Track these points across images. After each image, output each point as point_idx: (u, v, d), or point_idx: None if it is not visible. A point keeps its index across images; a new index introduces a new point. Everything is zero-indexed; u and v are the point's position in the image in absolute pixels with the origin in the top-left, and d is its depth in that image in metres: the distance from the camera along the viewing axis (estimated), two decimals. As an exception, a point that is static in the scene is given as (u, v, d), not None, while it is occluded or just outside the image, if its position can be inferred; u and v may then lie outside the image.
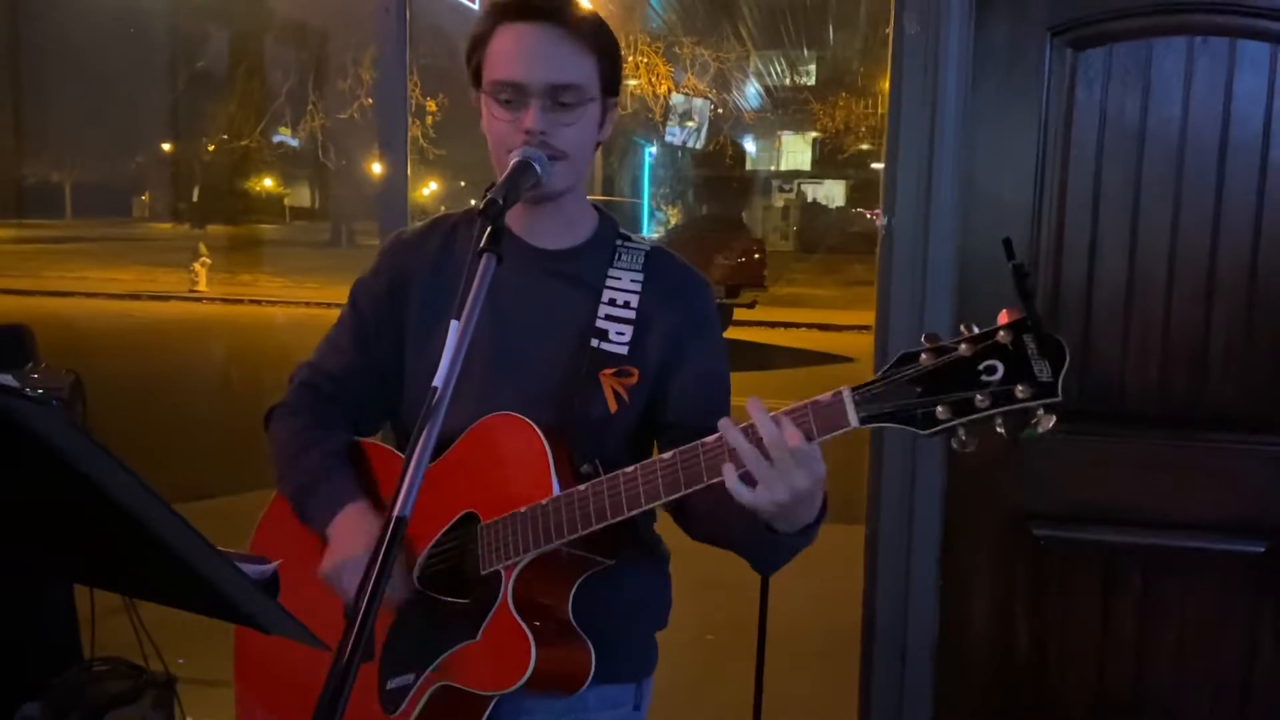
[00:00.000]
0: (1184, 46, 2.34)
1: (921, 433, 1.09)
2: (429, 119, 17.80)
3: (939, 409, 1.07)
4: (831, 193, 33.34)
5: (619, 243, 1.49)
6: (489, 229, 1.14)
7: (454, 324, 1.08)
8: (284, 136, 26.36)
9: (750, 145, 31.99)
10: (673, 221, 26.08)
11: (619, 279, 1.45)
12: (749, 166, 32.35)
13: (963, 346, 1.06)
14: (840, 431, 1.12)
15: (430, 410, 1.02)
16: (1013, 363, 1.04)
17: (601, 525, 1.25)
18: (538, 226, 1.47)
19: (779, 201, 32.76)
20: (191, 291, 18.25)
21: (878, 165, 2.85)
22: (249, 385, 9.14)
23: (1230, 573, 2.42)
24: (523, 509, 1.30)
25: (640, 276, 1.46)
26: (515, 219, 1.46)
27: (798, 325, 14.24)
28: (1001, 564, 2.52)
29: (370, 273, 1.54)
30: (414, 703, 1.37)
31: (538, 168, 1.28)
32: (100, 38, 24.47)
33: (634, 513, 1.23)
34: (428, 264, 1.48)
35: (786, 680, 2.99)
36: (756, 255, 19.33)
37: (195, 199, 32.83)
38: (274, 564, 1.07)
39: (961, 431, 1.08)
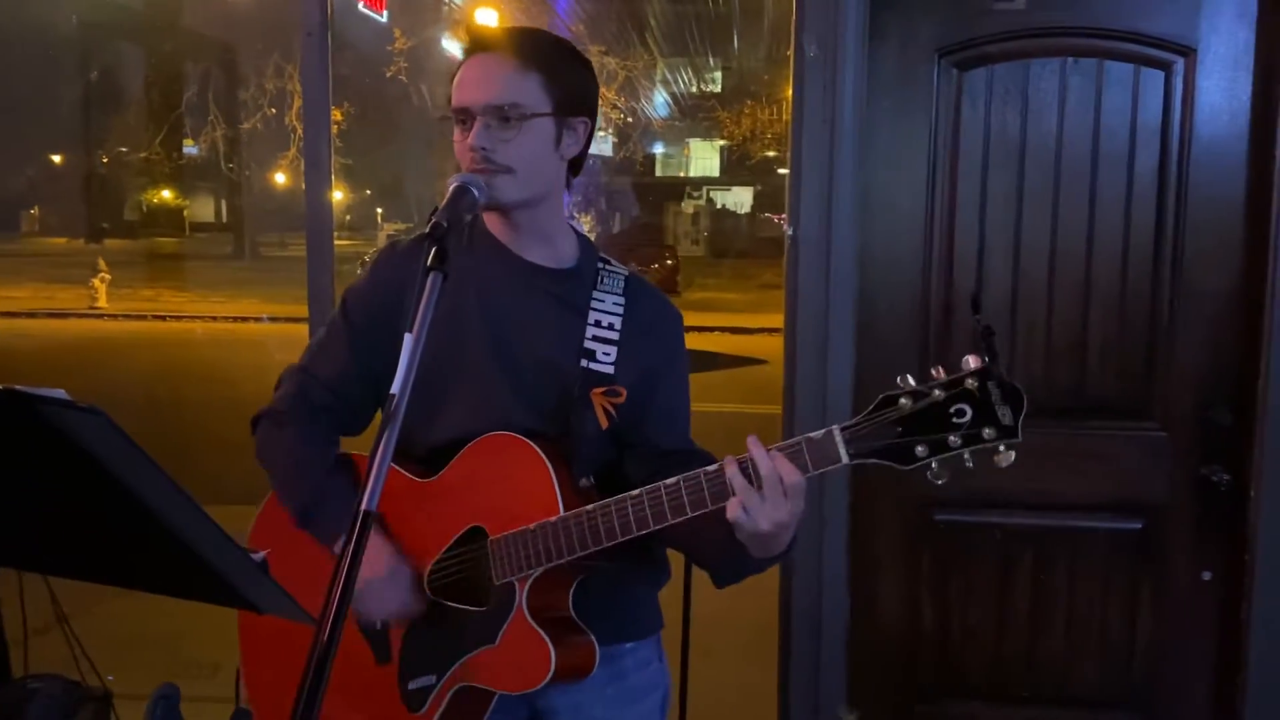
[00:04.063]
0: (1058, 67, 2.55)
1: (903, 468, 1.23)
2: (335, 128, 17.56)
3: (918, 448, 1.22)
4: (740, 199, 33.77)
5: (600, 266, 1.59)
6: (434, 249, 1.23)
7: (408, 337, 1.17)
8: (188, 148, 25.66)
9: (659, 152, 32.26)
10: (588, 229, 26.12)
11: (603, 301, 1.54)
12: (659, 173, 32.60)
13: (936, 392, 1.21)
14: (832, 466, 1.25)
15: (389, 417, 1.11)
16: (979, 407, 1.20)
17: (610, 544, 1.35)
18: (519, 238, 1.54)
19: (689, 208, 33.01)
20: (91, 308, 17.70)
21: (784, 171, 3.01)
22: (175, 404, 8.91)
23: (1112, 548, 2.64)
24: (532, 526, 1.39)
25: (621, 301, 1.55)
26: (496, 228, 1.54)
27: (711, 329, 14.43)
28: (906, 548, 2.70)
29: (365, 282, 1.58)
30: (437, 702, 1.46)
31: (474, 190, 1.38)
32: (-16, 47, 23.48)
33: (641, 534, 1.34)
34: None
35: (712, 669, 3.12)
36: (669, 261, 19.64)
37: (90, 213, 31.69)
38: (262, 553, 1.15)
39: (935, 465, 1.23)
